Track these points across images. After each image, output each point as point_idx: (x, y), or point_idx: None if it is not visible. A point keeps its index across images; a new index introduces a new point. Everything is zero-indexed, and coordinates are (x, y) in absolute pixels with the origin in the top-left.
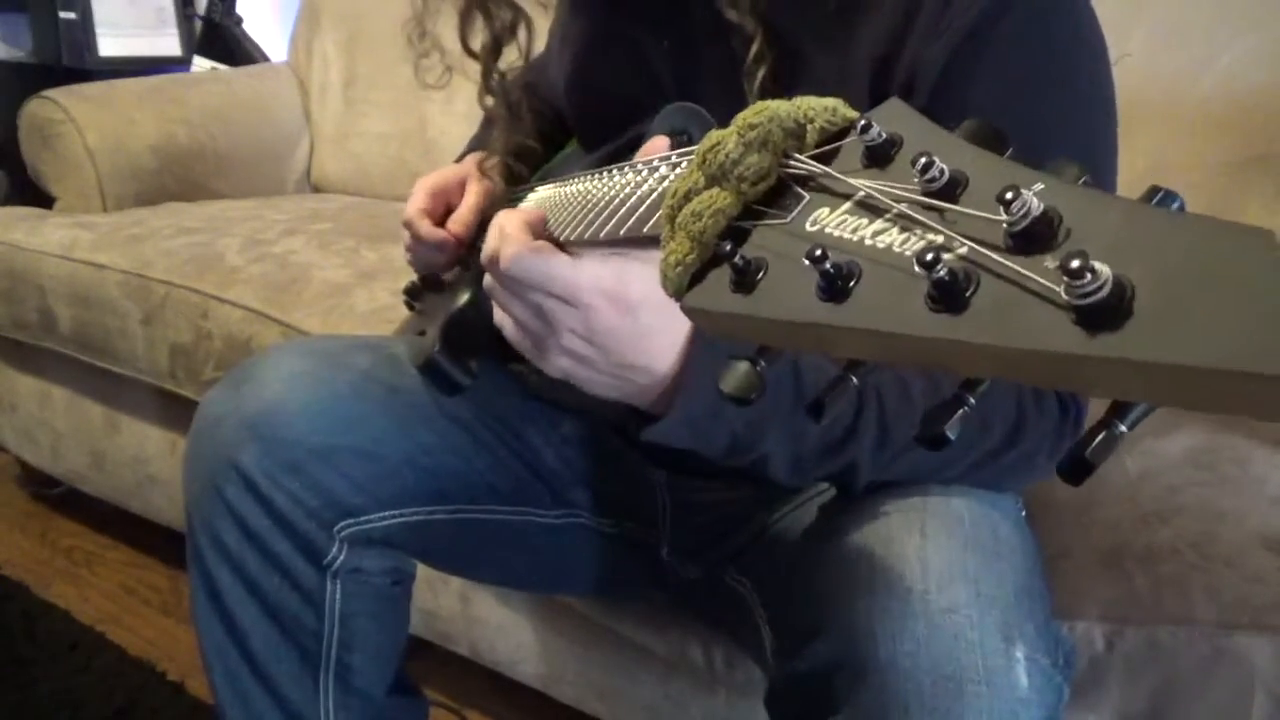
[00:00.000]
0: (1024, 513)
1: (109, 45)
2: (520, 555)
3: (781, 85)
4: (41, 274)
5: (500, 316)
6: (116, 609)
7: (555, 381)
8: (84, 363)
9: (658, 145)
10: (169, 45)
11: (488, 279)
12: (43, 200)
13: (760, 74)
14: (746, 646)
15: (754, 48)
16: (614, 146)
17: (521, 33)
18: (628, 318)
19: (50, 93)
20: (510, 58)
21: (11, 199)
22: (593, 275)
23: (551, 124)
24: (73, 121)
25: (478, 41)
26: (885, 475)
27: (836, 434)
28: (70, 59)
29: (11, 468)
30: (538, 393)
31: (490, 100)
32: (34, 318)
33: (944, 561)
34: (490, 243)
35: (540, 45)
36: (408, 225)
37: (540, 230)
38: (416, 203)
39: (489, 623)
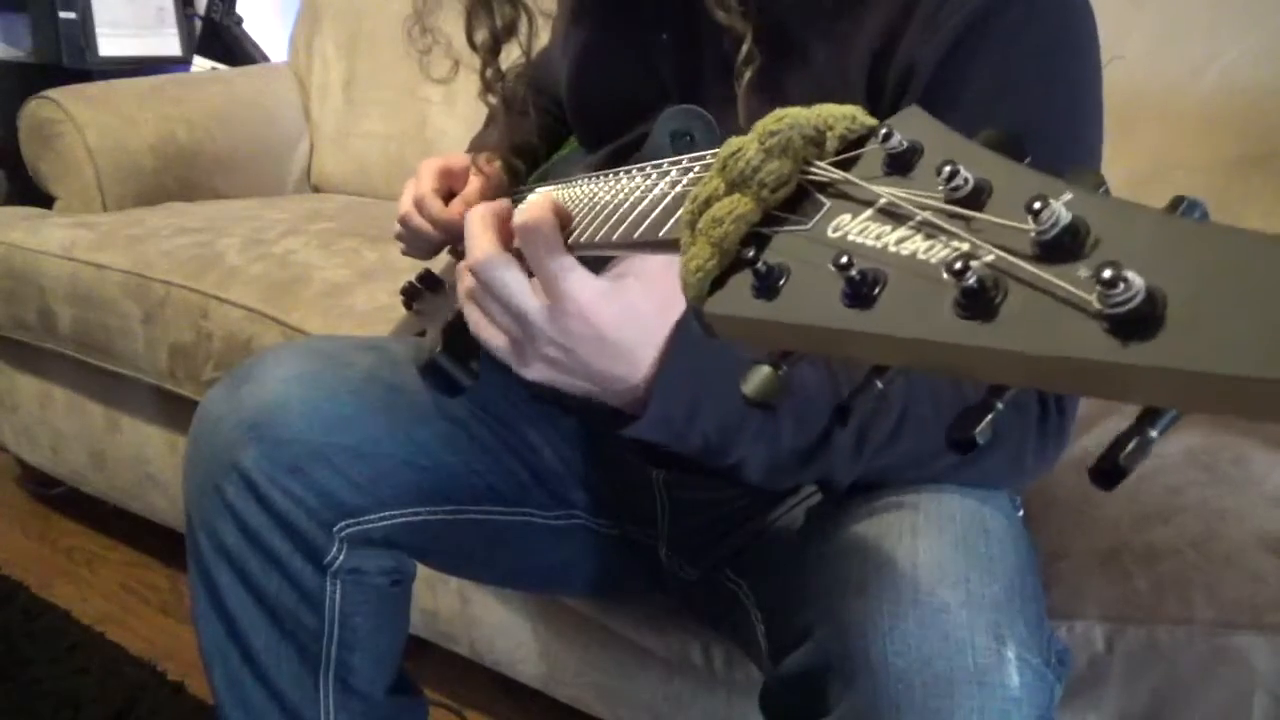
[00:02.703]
0: (1021, 512)
1: (109, 45)
2: (520, 556)
3: (777, 80)
4: (41, 274)
5: (477, 323)
6: (116, 609)
7: None
8: (84, 363)
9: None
10: (169, 45)
11: (469, 281)
12: (43, 200)
13: (748, 75)
14: (744, 647)
15: (744, 49)
16: (616, 146)
17: (523, 31)
18: (604, 331)
19: (50, 93)
20: (513, 55)
21: (11, 199)
22: (575, 286)
23: (556, 120)
24: (73, 121)
25: (481, 38)
26: (866, 476)
27: (813, 438)
28: (70, 59)
29: (11, 468)
30: (539, 393)
31: (491, 98)
32: (34, 318)
33: (935, 561)
34: (479, 241)
35: (542, 43)
36: (419, 204)
37: (567, 221)
38: (427, 183)
39: (489, 623)
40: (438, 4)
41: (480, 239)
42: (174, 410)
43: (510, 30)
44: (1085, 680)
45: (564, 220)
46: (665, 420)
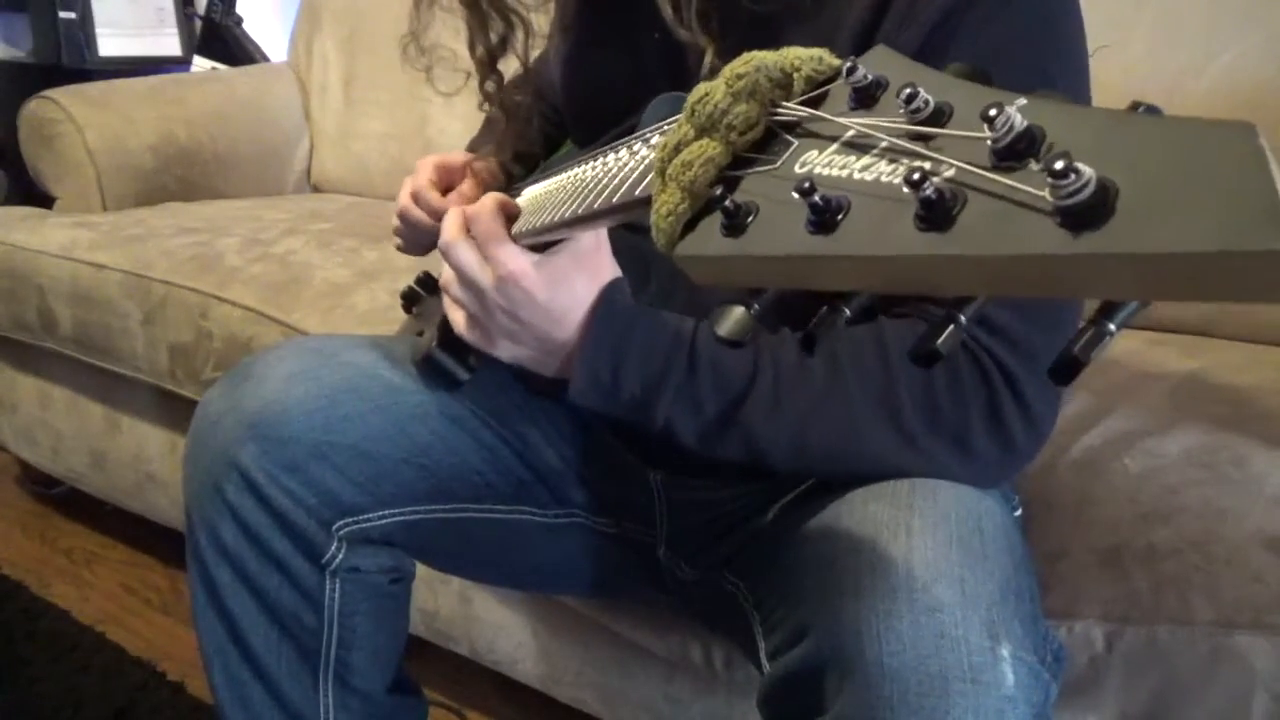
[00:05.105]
0: (1019, 512)
1: (109, 45)
2: (519, 555)
3: None
4: (41, 274)
5: (454, 319)
6: (116, 609)
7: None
8: (84, 363)
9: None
10: (169, 45)
11: (444, 274)
12: (43, 200)
13: None
14: (743, 647)
15: (706, 62)
16: (607, 138)
17: (518, 43)
18: (537, 296)
19: (50, 93)
20: (513, 66)
21: (11, 199)
22: (509, 257)
23: (557, 127)
24: (73, 121)
25: (478, 52)
26: (799, 459)
27: (732, 394)
28: (70, 59)
29: (11, 468)
30: (539, 388)
31: (490, 109)
32: (34, 318)
33: (929, 560)
34: (448, 232)
35: (537, 55)
36: (415, 196)
37: (510, 209)
38: (425, 175)
39: (489, 623)
40: (431, 19)
41: (449, 230)
42: (174, 410)
43: (504, 43)
44: (1085, 680)
45: (506, 209)
46: (593, 378)
